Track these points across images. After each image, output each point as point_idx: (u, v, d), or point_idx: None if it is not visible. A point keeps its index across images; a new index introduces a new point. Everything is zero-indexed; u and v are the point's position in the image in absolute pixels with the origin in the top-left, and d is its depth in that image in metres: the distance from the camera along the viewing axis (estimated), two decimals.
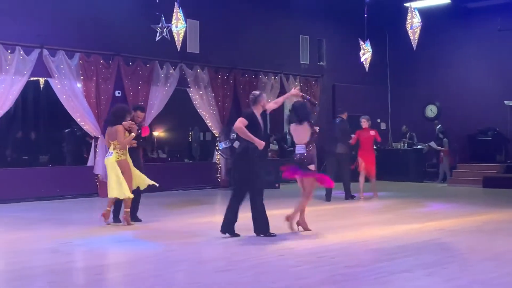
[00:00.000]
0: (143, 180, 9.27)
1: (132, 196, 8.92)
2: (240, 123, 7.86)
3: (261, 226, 7.95)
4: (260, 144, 7.83)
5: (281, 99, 8.81)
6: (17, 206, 11.85)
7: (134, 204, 9.25)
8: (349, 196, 12.83)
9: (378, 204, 12.25)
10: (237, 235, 7.92)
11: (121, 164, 8.93)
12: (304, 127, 8.33)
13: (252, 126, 7.88)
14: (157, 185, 9.29)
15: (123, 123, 8.98)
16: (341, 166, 12.83)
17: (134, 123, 9.22)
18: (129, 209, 9.01)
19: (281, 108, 19.20)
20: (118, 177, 8.84)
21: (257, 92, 8.34)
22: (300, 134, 8.39)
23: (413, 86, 19.45)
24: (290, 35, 17.93)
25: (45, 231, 8.73)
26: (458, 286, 5.50)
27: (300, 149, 8.35)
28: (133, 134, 9.06)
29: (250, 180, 7.89)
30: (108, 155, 9.09)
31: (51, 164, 15.18)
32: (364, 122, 13.18)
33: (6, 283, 5.79)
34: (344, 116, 13.34)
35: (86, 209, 9.46)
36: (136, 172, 9.19)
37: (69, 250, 7.32)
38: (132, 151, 9.27)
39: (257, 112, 8.11)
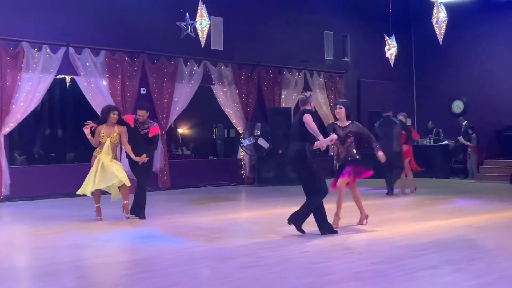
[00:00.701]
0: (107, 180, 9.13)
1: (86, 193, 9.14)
2: (310, 118, 7.68)
3: (298, 217, 7.83)
4: (324, 142, 7.75)
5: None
6: (45, 203, 12.01)
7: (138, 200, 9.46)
8: (391, 192, 12.80)
9: (404, 201, 12.17)
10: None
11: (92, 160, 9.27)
12: None
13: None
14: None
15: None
16: (394, 164, 12.56)
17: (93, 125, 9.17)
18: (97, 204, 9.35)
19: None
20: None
21: (308, 93, 8.26)
22: None
23: (439, 81, 19.26)
24: (314, 31, 17.86)
25: (72, 227, 8.82)
26: (486, 282, 5.44)
27: None
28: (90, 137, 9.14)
29: (307, 179, 7.85)
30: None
31: (78, 161, 15.33)
32: (403, 119, 13.15)
33: (35, 278, 5.88)
34: (390, 114, 13.32)
35: (112, 205, 9.53)
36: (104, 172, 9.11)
37: (95, 245, 7.40)
38: (137, 150, 9.28)
39: None
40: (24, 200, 12.25)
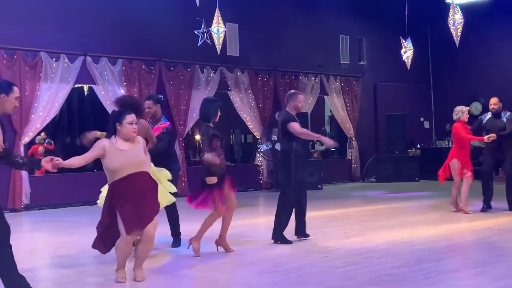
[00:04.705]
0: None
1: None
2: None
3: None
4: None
5: None
6: (66, 211, 12.11)
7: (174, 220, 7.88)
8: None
9: (422, 204, 12.08)
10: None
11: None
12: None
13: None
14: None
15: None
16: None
17: None
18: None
19: (321, 108, 19.22)
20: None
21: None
22: None
23: (457, 83, 19.13)
24: (329, 35, 17.85)
25: (93, 234, 8.84)
26: (507, 285, 5.40)
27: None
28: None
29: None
30: None
31: (96, 169, 15.44)
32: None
33: (57, 286, 5.94)
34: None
35: None
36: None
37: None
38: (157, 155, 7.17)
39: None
40: (45, 209, 12.37)
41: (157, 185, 5.95)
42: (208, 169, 6.93)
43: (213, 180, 6.88)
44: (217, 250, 7.23)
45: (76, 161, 5.77)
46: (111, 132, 5.77)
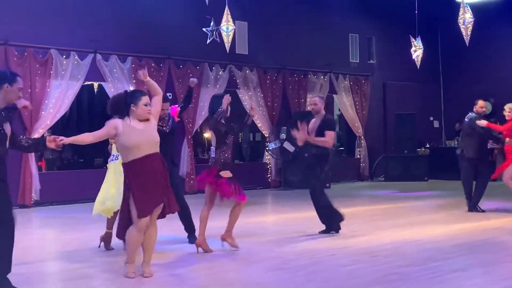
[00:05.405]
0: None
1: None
2: None
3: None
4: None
5: None
6: (74, 207, 12.15)
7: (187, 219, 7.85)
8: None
9: (431, 204, 12.06)
10: None
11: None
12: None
13: None
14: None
15: None
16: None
17: None
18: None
19: (330, 107, 19.18)
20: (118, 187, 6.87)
21: None
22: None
23: (467, 82, 19.05)
24: (339, 34, 17.82)
25: (101, 231, 8.90)
26: None
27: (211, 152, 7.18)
28: None
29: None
30: (114, 159, 7.65)
31: (106, 166, 15.51)
32: None
33: (65, 282, 5.98)
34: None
35: None
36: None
37: (123, 249, 7.46)
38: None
39: None
40: (54, 205, 12.43)
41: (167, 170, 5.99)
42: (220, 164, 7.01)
43: (228, 173, 6.99)
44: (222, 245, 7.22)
45: (85, 137, 5.86)
46: (125, 113, 5.83)
